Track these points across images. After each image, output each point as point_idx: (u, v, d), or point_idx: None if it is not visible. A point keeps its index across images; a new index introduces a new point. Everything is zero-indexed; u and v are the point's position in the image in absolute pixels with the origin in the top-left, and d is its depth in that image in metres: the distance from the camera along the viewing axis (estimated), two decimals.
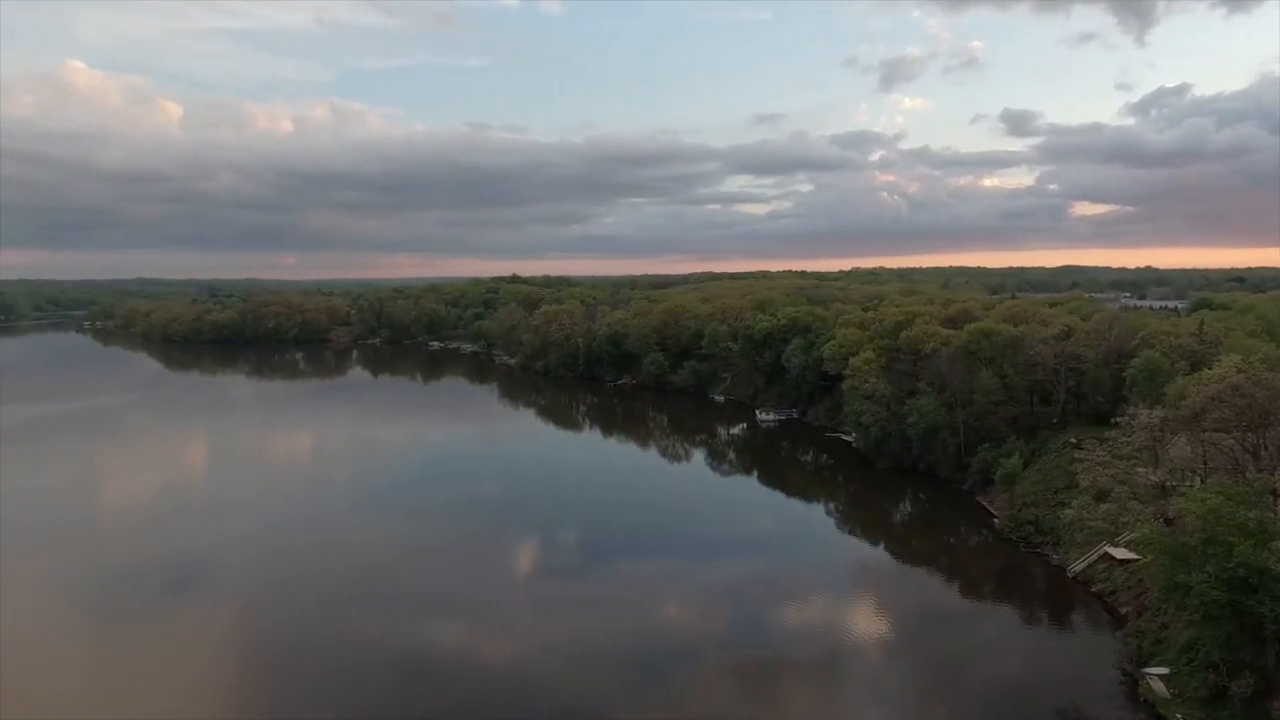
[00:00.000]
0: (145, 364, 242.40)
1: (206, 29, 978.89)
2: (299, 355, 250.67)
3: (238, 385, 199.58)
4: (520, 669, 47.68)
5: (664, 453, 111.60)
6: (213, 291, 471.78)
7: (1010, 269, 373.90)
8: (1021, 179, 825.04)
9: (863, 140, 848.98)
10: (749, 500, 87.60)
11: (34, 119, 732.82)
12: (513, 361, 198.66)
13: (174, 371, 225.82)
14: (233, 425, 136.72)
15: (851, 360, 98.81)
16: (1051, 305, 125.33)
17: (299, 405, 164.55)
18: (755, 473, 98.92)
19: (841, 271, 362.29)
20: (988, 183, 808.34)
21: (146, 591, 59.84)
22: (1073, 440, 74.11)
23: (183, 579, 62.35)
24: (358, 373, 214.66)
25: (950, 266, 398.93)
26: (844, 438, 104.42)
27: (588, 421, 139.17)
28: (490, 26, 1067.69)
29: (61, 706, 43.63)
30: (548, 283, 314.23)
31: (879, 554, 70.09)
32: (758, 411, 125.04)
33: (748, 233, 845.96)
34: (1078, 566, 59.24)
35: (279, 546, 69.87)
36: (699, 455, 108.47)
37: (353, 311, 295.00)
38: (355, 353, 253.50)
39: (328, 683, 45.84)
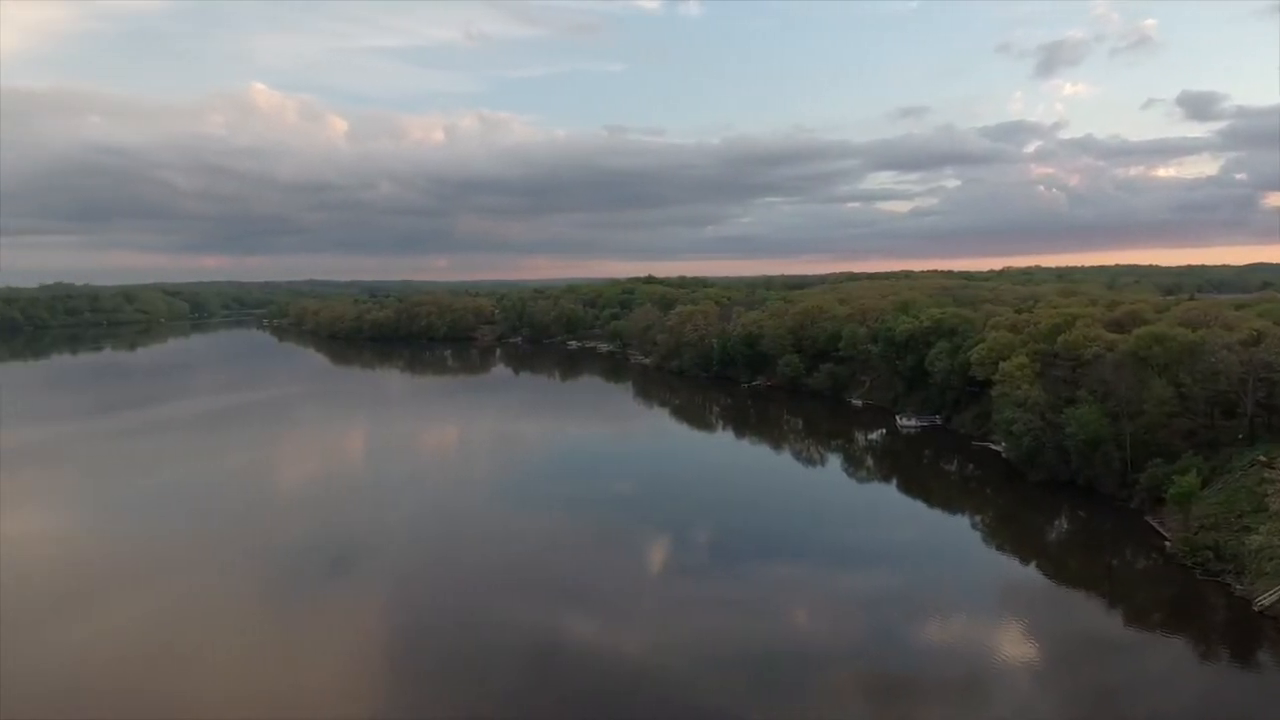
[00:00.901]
0: (313, 358, 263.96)
1: (368, 48, 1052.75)
2: (447, 352, 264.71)
3: (392, 380, 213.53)
4: (647, 664, 48.12)
5: (798, 456, 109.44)
6: (372, 292, 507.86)
7: (1188, 267, 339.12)
8: (1202, 168, 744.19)
9: (1017, 131, 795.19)
10: (887, 509, 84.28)
11: (223, 136, 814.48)
12: (647, 361, 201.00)
13: (337, 366, 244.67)
14: (387, 417, 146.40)
15: (1002, 365, 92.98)
16: (1238, 307, 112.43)
17: (446, 399, 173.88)
18: (894, 480, 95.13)
19: (992, 271, 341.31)
20: (1162, 173, 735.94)
21: (310, 570, 65.13)
22: (1261, 458, 66.37)
23: (341, 559, 67.36)
24: (500, 370, 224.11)
25: (1116, 265, 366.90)
26: (992, 447, 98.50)
27: (720, 422, 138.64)
28: (630, 31, 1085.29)
29: (228, 672, 48.22)
30: (683, 283, 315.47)
31: (1030, 573, 65.48)
32: (898, 417, 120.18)
33: (889, 231, 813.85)
34: (1266, 599, 52.94)
35: (426, 533, 74.09)
36: (834, 460, 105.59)
37: (496, 311, 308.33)
38: (498, 350, 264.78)
39: (466, 663, 48.15)
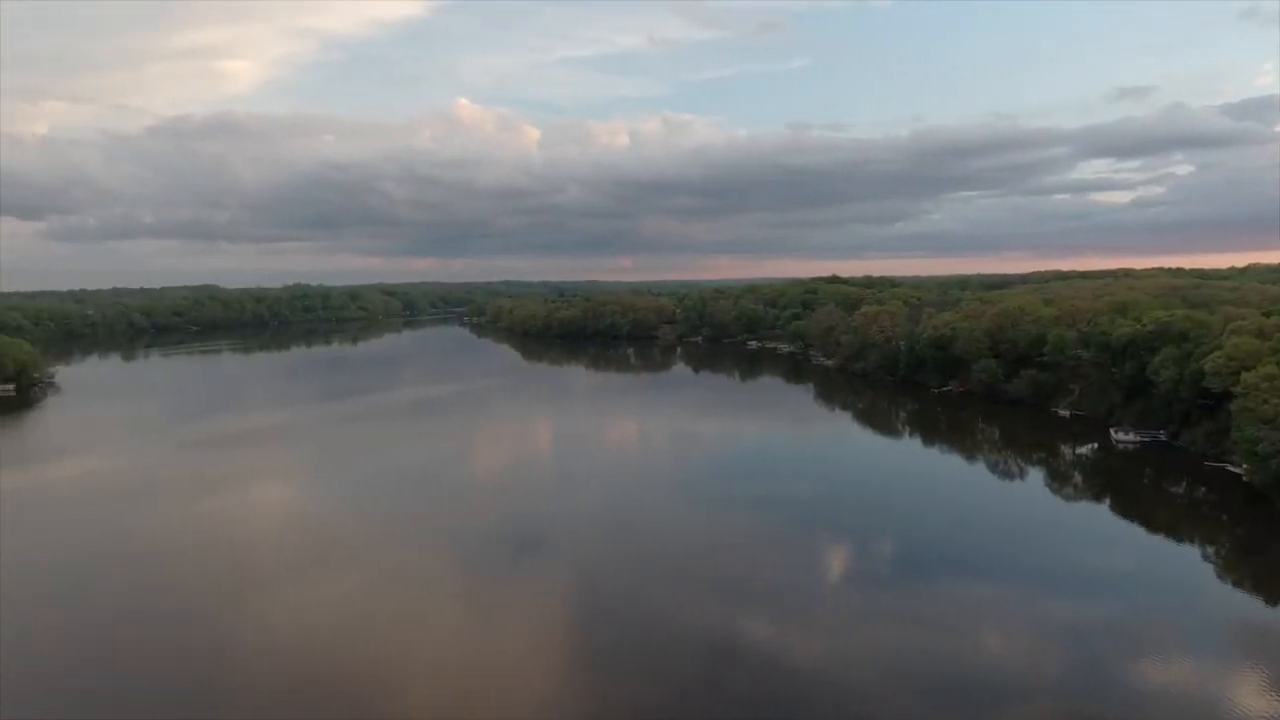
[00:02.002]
0: (506, 354, 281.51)
1: (560, 59, 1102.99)
2: (629, 350, 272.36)
3: (577, 376, 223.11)
4: (825, 674, 46.94)
5: (993, 468, 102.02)
6: (561, 292, 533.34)
7: None
8: None
9: (1266, 108, 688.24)
10: (1097, 531, 76.51)
11: (432, 149, 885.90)
12: (829, 363, 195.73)
13: (528, 361, 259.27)
14: (571, 411, 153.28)
15: (1245, 375, 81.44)
16: None
17: (627, 395, 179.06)
18: (1107, 500, 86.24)
19: (1232, 268, 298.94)
20: None
21: (500, 551, 69.62)
22: None
23: (528, 542, 71.40)
24: (680, 368, 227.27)
25: None
26: (1230, 469, 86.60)
27: (907, 428, 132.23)
28: (815, 26, 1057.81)
29: (429, 638, 52.51)
30: (869, 283, 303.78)
31: (1277, 615, 56.97)
32: (1113, 430, 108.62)
33: (1104, 224, 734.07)
34: None
35: (606, 523, 76.72)
36: (1035, 475, 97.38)
37: (678, 311, 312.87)
38: (679, 349, 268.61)
39: (642, 652, 49.34)
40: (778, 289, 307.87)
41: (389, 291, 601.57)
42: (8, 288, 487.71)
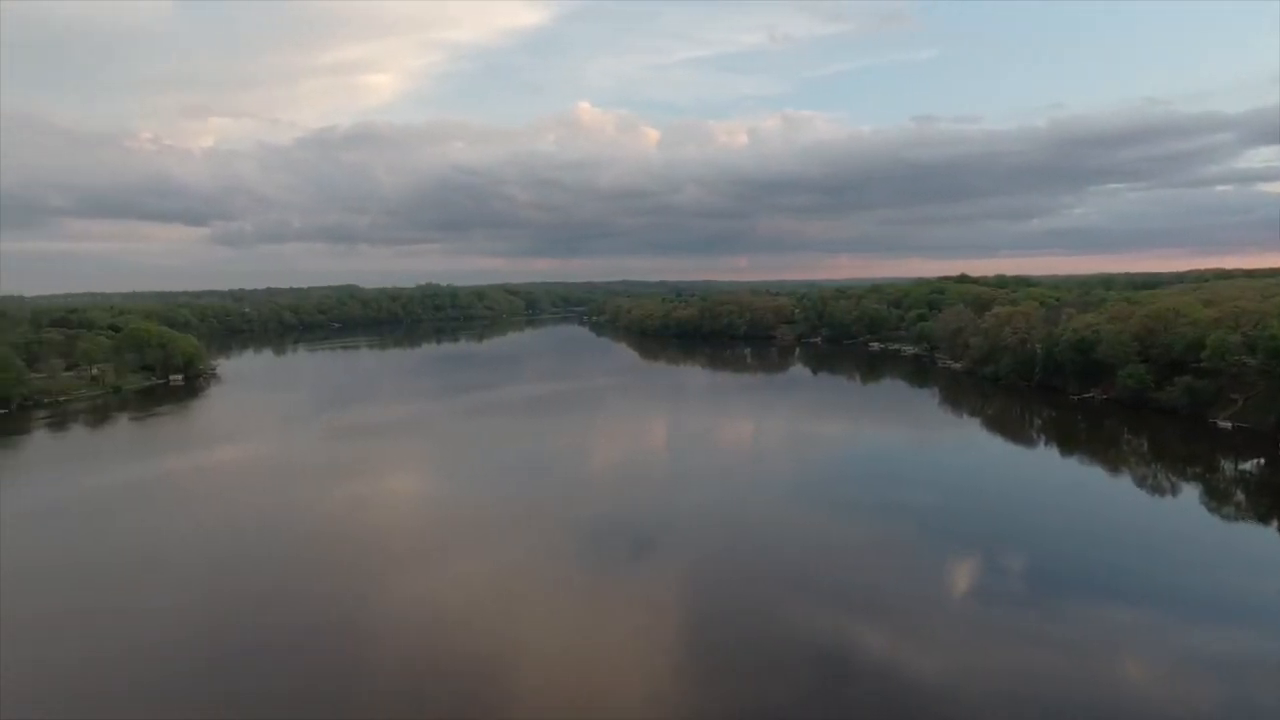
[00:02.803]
0: (624, 353, 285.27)
1: (680, 60, 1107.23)
2: (746, 350, 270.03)
3: (693, 375, 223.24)
4: (942, 690, 44.81)
5: (1141, 483, 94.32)
6: (678, 292, 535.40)
7: None
8: None
9: None
10: (1261, 556, 69.45)
11: (554, 153, 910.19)
12: (957, 366, 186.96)
13: (645, 359, 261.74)
14: (686, 409, 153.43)
15: None
16: None
17: (743, 395, 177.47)
18: (1275, 523, 78.12)
19: None
20: None
21: (613, 545, 70.63)
22: None
23: (641, 538, 72.05)
24: (798, 369, 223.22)
25: None
26: None
27: (1043, 437, 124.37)
28: (944, 18, 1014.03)
29: (547, 625, 53.93)
30: (1001, 282, 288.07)
31: None
32: None
33: (1273, 218, 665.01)
34: None
35: (719, 523, 76.33)
36: (1190, 492, 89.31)
37: (796, 311, 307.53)
38: (797, 350, 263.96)
39: (753, 655, 48.76)
40: (902, 288, 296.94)
41: (513, 291, 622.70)
42: (177, 287, 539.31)
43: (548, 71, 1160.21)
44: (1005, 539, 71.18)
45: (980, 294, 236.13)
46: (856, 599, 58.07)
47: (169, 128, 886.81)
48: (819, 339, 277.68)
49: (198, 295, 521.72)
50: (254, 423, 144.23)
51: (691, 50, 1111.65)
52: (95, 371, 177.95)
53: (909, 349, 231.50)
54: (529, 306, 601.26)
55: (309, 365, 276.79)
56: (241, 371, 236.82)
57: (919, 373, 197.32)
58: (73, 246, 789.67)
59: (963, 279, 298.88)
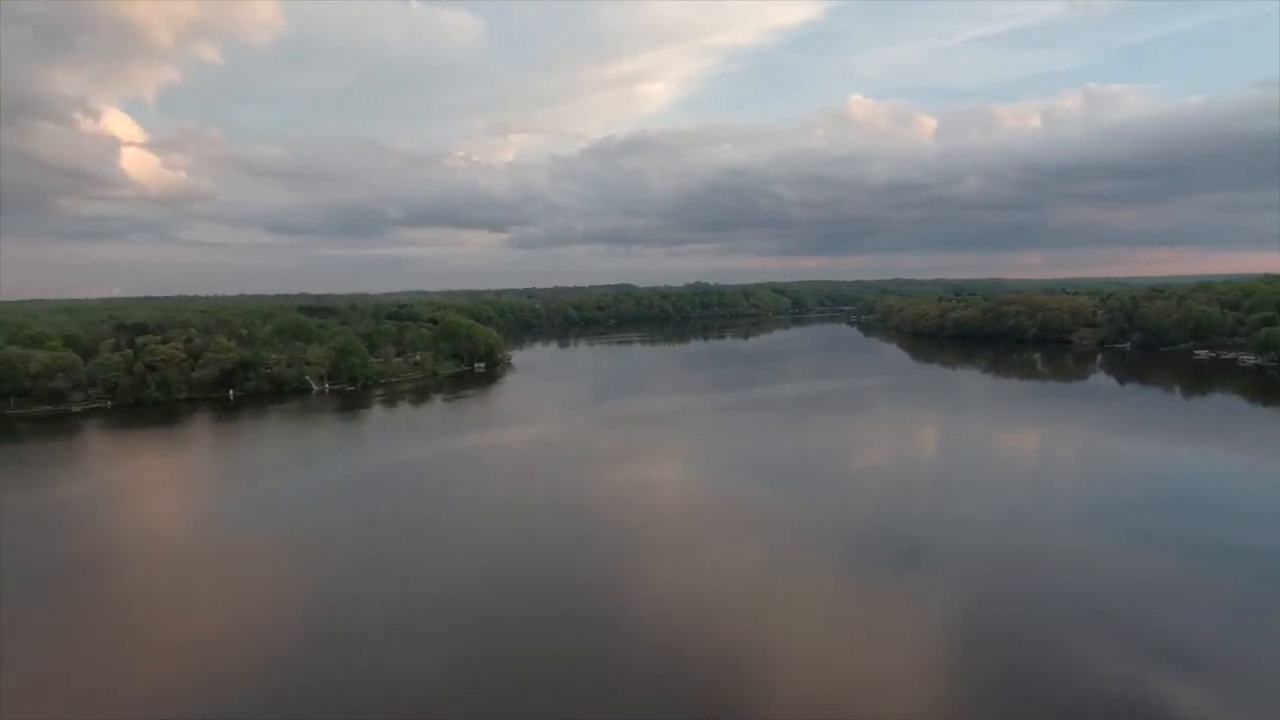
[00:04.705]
0: (894, 353, 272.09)
1: (962, 42, 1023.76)
2: (1036, 355, 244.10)
3: (971, 380, 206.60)
4: None
5: None
6: (957, 291, 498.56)
7: None
8: None
9: None
10: None
11: (822, 149, 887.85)
12: None
13: (917, 361, 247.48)
14: (960, 415, 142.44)
15: None
16: None
17: (1030, 403, 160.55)
18: None
19: None
20: None
21: (875, 550, 67.89)
22: None
23: (903, 547, 68.43)
24: (1100, 378, 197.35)
25: None
26: None
27: None
28: None
29: (808, 626, 53.32)
30: None
31: None
32: None
33: None
34: None
35: (993, 542, 70.08)
36: None
37: (1099, 312, 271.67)
38: (1099, 357, 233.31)
39: (1032, 693, 44.29)
40: (1240, 287, 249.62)
41: (779, 290, 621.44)
42: (482, 286, 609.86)
43: (817, 67, 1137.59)
44: None
45: None
46: (1165, 647, 50.13)
47: (478, 145, 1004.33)
48: (1128, 345, 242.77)
49: (498, 293, 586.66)
50: (539, 407, 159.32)
51: (978, 28, 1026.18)
52: (418, 358, 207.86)
53: (1249, 358, 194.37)
54: (795, 305, 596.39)
55: (588, 357, 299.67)
56: (531, 361, 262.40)
57: (1262, 386, 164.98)
58: (403, 251, 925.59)
59: None
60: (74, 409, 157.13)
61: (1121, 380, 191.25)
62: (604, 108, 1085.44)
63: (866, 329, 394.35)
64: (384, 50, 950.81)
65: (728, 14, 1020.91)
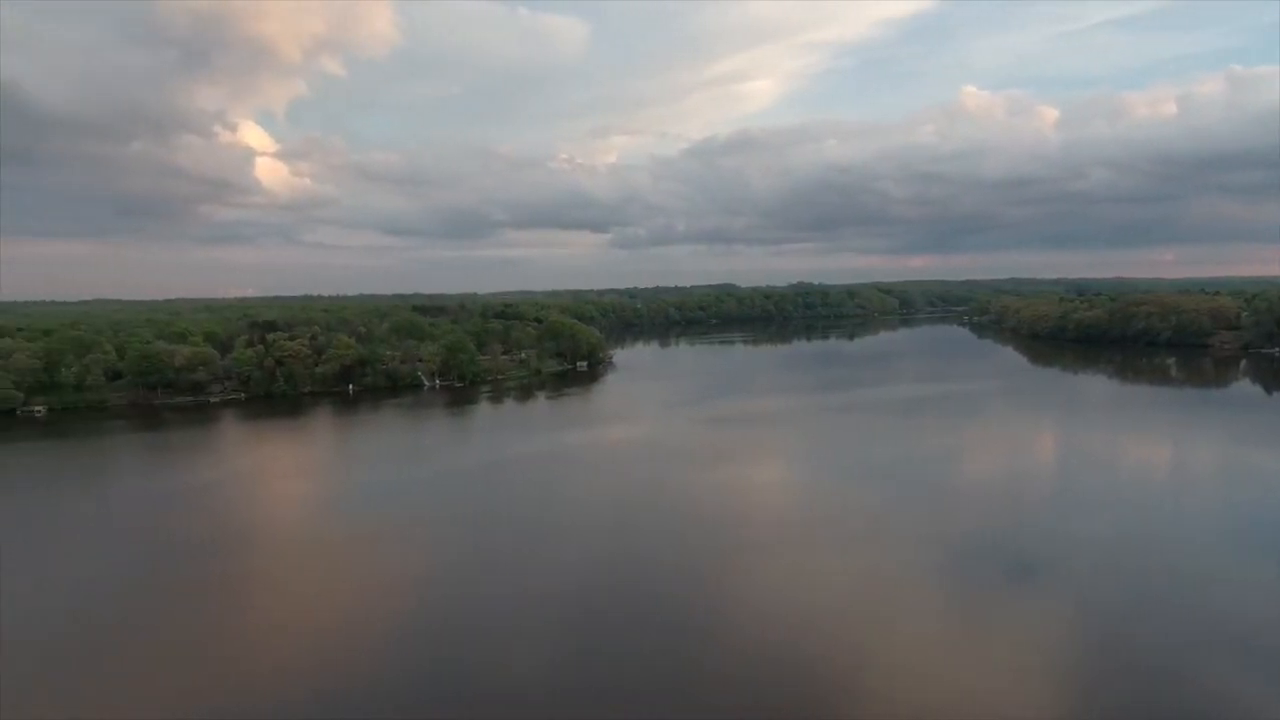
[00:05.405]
0: (1009, 357, 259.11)
1: (1089, 26, 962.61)
2: (1169, 360, 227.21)
3: (1095, 385, 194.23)
4: None
5: None
6: (1080, 290, 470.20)
7: None
8: None
9: None
10: None
11: (933, 144, 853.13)
12: None
13: (1034, 365, 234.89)
14: (1081, 424, 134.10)
15: None
16: None
17: (1160, 412, 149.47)
18: None
19: None
20: None
21: (986, 567, 64.97)
22: None
23: (1021, 565, 65.10)
24: (1244, 386, 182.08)
25: None
26: None
27: None
28: None
29: (893, 642, 51.68)
30: None
31: None
32: None
33: None
34: None
35: (1117, 562, 65.65)
36: None
37: (1243, 313, 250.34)
38: (1242, 362, 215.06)
39: None
40: None
41: (885, 289, 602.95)
42: (584, 286, 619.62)
43: (928, 59, 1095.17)
44: None
45: None
46: None
47: (580, 148, 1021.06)
48: (1276, 349, 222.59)
49: (601, 293, 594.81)
50: (639, 406, 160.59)
51: (1108, 11, 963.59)
52: (523, 356, 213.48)
53: None
54: (903, 305, 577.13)
55: (688, 357, 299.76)
56: (631, 361, 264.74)
57: None
58: (509, 252, 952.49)
59: None
60: (212, 400, 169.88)
61: (1269, 388, 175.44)
62: (705, 107, 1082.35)
63: (979, 330, 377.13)
64: (492, 58, 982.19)
65: (833, 9, 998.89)
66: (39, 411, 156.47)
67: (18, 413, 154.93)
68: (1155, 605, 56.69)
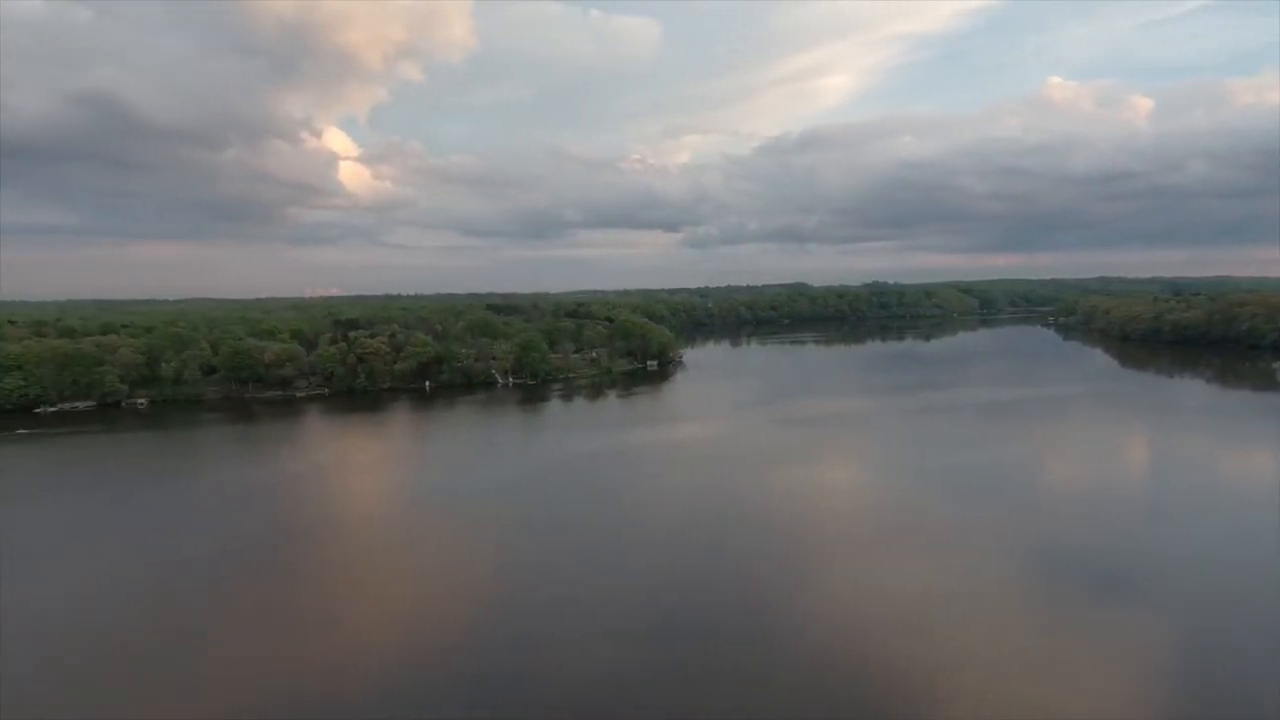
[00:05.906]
0: (1098, 359, 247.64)
1: (1186, 11, 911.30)
2: (1276, 365, 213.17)
3: (1191, 390, 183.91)
4: None
5: None
6: (1177, 290, 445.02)
7: None
8: None
9: None
10: None
11: (1017, 138, 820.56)
12: None
13: (1125, 369, 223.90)
14: (1176, 431, 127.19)
15: None
16: None
17: (1265, 420, 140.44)
18: None
19: None
20: None
21: (1073, 578, 62.50)
22: None
23: (1106, 576, 62.42)
24: None
25: None
26: None
27: None
28: None
29: (971, 654, 50.07)
30: None
31: None
32: None
33: None
34: None
35: (1219, 580, 62.24)
36: None
37: None
38: None
39: None
40: None
41: (964, 289, 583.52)
42: (655, 285, 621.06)
43: (1010, 50, 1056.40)
44: None
45: None
46: None
47: (652, 148, 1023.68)
48: None
49: (672, 292, 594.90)
50: (710, 406, 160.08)
51: None
52: (594, 355, 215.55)
53: None
54: (983, 306, 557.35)
55: (760, 357, 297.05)
56: (702, 360, 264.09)
57: None
58: (580, 252, 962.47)
59: None
60: (298, 394, 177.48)
61: None
62: (778, 105, 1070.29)
63: (1066, 332, 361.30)
64: (565, 60, 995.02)
65: (909, 3, 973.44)
66: (141, 404, 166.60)
67: (122, 404, 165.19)
68: (1250, 624, 53.45)
